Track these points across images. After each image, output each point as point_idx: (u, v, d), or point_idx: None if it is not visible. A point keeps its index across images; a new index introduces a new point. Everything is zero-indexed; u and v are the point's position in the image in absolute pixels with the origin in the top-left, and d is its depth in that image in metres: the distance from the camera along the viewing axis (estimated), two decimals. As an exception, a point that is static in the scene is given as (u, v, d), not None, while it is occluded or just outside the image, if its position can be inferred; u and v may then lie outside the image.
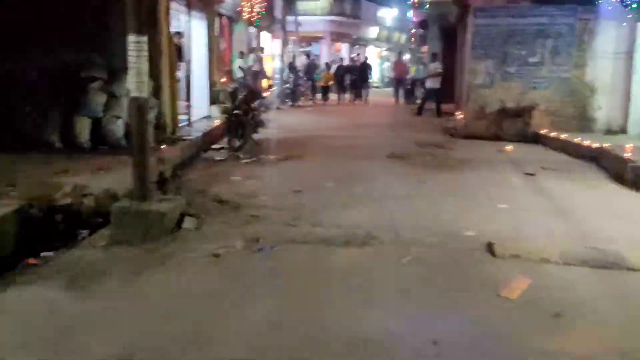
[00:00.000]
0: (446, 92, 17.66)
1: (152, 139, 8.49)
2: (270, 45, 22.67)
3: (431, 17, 20.37)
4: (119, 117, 8.15)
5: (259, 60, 18.89)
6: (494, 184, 7.15)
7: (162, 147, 8.27)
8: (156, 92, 8.75)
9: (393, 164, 8.40)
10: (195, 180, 6.97)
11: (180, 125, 10.45)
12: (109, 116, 8.13)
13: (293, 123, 13.89)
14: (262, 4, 17.17)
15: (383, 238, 4.79)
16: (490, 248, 4.61)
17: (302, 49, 26.81)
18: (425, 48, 27.42)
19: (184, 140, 9.07)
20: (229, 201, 5.55)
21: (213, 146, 9.82)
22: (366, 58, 23.60)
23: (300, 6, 25.85)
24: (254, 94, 9.72)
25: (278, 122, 14.04)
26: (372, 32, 35.03)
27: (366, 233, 4.86)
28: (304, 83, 20.20)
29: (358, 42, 34.22)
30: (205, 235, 4.69)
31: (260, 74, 18.92)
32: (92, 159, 7.25)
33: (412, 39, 39.35)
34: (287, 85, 18.87)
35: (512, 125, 11.27)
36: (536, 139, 11.00)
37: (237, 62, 17.51)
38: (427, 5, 19.46)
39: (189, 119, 10.76)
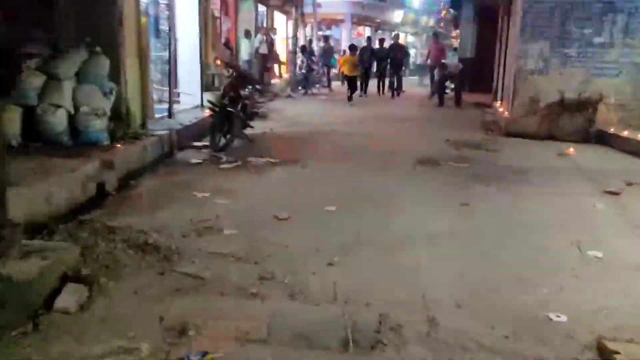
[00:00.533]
0: (482, 81, 15.47)
1: (106, 134, 6.64)
2: (285, 27, 20.53)
3: (464, -2, 18.00)
4: (59, 106, 6.18)
5: (270, 42, 16.79)
6: (568, 211, 5.00)
7: (118, 145, 6.31)
8: (114, 72, 6.77)
9: (422, 175, 6.28)
10: (140, 198, 4.96)
11: (157, 116, 8.48)
12: (46, 104, 6.16)
13: (302, 114, 11.80)
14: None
15: (408, 329, 2.73)
16: (605, 358, 2.53)
17: (321, 32, 24.63)
18: (455, 32, 25.07)
19: (153, 136, 7.08)
20: (161, 246, 3.49)
21: (195, 143, 7.80)
22: (397, 36, 18.49)
23: (320, -15, 23.68)
24: (245, 79, 7.67)
25: (284, 112, 12.00)
26: (397, 15, 32.58)
27: (379, 317, 2.80)
28: (319, 69, 17.97)
29: (382, 26, 31.84)
30: (95, 321, 2.67)
31: (270, 57, 16.84)
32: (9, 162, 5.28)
33: (442, 24, 36.90)
34: (301, 71, 16.73)
35: (570, 121, 9.03)
36: (601, 139, 8.75)
37: (242, 43, 15.48)
38: (462, -18, 17.08)
39: (169, 109, 8.74)
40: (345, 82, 14.99)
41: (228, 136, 7.32)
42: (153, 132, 7.28)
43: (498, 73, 13.72)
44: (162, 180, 5.73)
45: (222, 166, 6.40)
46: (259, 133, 8.77)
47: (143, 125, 7.54)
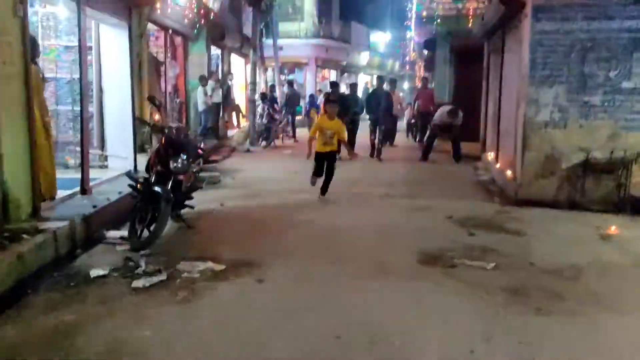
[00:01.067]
0: (463, 129, 13.76)
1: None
2: (244, 72, 18.66)
3: (439, 37, 16.50)
4: None
5: (225, 89, 14.86)
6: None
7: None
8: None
9: (434, 289, 4.23)
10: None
11: (66, 193, 6.28)
12: None
13: (263, 177, 9.74)
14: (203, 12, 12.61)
15: None
16: None
17: (283, 77, 22.92)
18: (421, 74, 23.60)
19: (42, 232, 4.88)
20: None
21: (110, 235, 5.61)
22: (382, 80, 13.33)
23: (282, 27, 22.10)
24: (177, 145, 5.55)
25: (242, 174, 9.95)
26: (363, 58, 31.31)
27: None
28: (283, 118, 16.00)
29: (347, 69, 30.46)
30: None
31: (227, 106, 14.88)
32: None
33: (407, 67, 35.86)
34: (261, 120, 14.73)
35: (597, 185, 7.24)
36: (638, 209, 6.96)
37: (199, 91, 13.49)
38: (437, 21, 15.53)
39: (82, 182, 6.55)
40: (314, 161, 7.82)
41: (153, 227, 5.17)
42: (47, 224, 5.12)
43: (486, 120, 12.05)
44: (25, 328, 3.51)
45: (137, 284, 4.22)
46: (205, 211, 6.67)
47: (34, 213, 5.36)
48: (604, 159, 7.10)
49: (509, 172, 8.55)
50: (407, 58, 33.05)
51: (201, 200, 6.98)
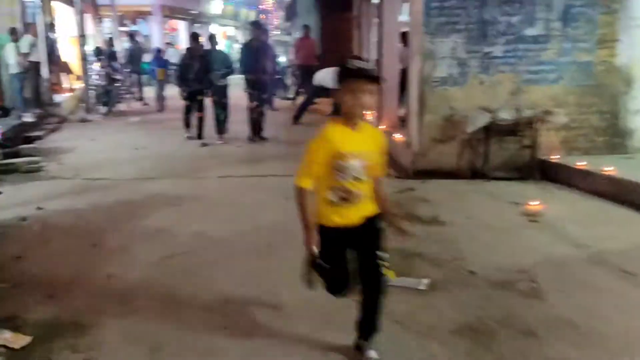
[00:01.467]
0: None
1: None
2: (74, 24, 15.58)
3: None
4: None
5: (50, 45, 12.09)
6: None
7: None
8: None
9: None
10: None
11: None
12: None
13: (102, 157, 7.67)
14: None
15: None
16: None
17: (124, 29, 19.95)
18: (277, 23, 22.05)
19: None
20: None
21: None
22: (258, 27, 9.23)
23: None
24: None
25: (73, 155, 7.83)
26: (215, 7, 28.76)
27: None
28: (126, 78, 13.55)
29: (199, 19, 27.77)
30: None
31: (52, 65, 12.11)
32: None
33: (262, 15, 33.85)
34: (97, 82, 12.18)
35: (501, 149, 6.37)
36: (547, 174, 6.22)
37: (10, 49, 10.67)
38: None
39: None
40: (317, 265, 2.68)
41: None
42: None
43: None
44: None
45: None
46: (11, 223, 4.69)
47: None
48: (511, 119, 6.18)
49: (398, 136, 7.48)
50: (262, 6, 31.14)
51: (8, 204, 5.01)
